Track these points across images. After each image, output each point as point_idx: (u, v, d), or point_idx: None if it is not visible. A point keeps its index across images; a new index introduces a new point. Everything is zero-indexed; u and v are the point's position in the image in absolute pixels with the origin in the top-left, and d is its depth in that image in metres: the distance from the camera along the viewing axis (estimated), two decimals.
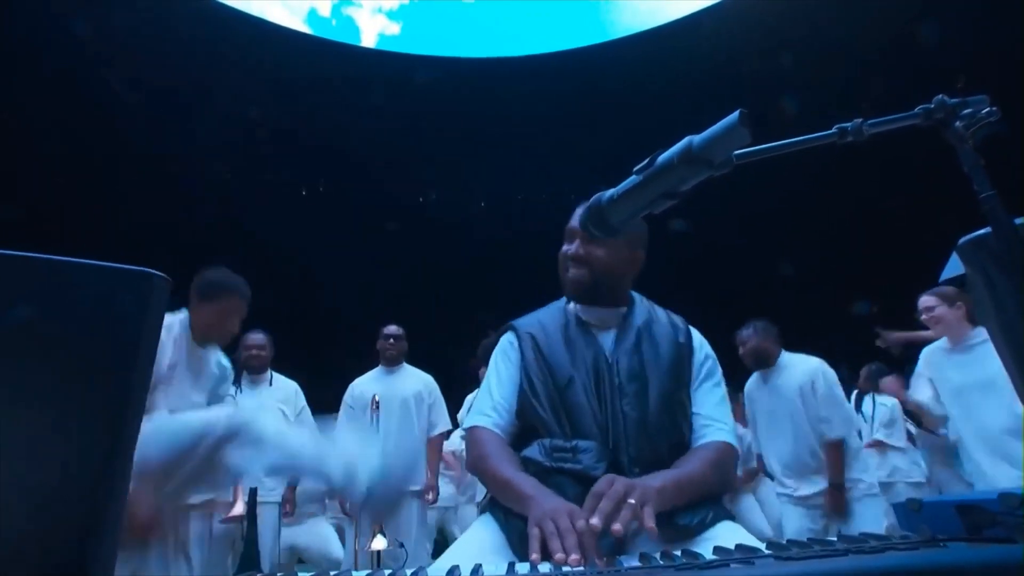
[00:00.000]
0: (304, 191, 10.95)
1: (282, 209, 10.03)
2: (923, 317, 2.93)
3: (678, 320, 1.34)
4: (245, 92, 8.97)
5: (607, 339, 1.26)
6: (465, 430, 1.31)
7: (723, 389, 1.28)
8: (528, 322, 1.34)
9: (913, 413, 3.45)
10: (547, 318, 1.33)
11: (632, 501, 0.87)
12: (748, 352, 3.18)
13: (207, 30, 8.63)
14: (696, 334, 1.33)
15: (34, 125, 7.90)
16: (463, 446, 4.27)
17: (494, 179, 10.49)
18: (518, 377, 1.26)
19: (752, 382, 3.31)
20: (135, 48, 8.21)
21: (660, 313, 1.34)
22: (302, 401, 3.50)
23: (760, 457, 3.57)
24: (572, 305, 1.34)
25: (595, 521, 0.83)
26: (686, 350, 1.26)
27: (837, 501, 2.98)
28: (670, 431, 1.17)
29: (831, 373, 3.10)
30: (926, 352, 2.95)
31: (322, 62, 9.57)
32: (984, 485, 2.62)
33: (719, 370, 1.30)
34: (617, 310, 1.31)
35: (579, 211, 1.27)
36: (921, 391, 2.94)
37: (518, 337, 1.31)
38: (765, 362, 3.16)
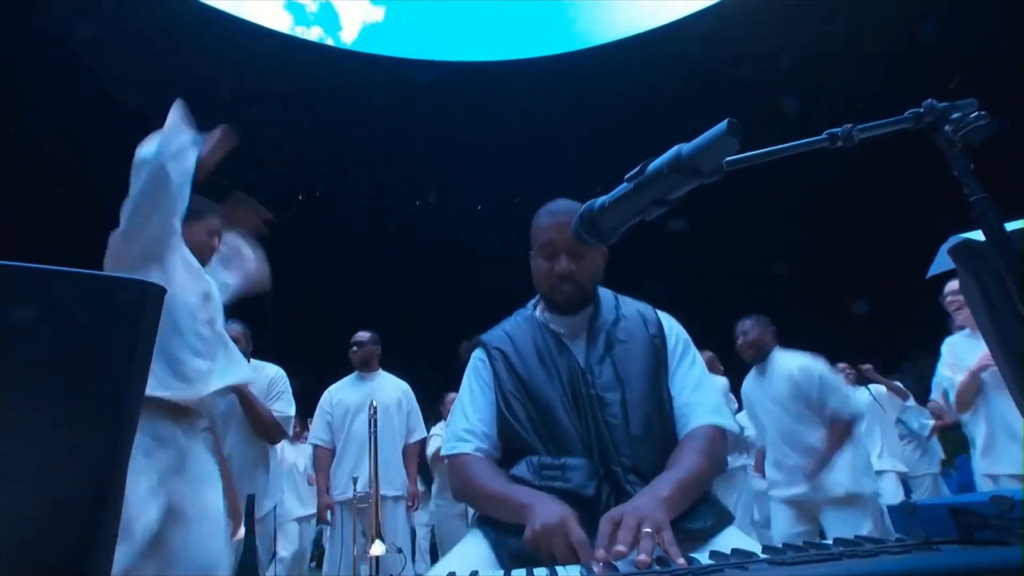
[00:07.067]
0: (300, 196, 10.94)
1: (279, 214, 10.01)
2: (948, 299, 2.93)
3: (645, 309, 1.30)
4: (240, 97, 8.98)
5: (579, 348, 1.23)
6: (447, 458, 1.24)
7: (700, 367, 1.24)
8: (498, 336, 1.29)
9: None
10: (516, 331, 1.28)
11: (648, 529, 0.84)
12: (747, 343, 3.12)
13: (205, 34, 8.62)
14: (666, 318, 1.30)
15: (32, 127, 7.89)
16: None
17: (491, 182, 10.48)
18: (494, 398, 1.21)
19: (749, 379, 3.25)
20: (130, 52, 8.21)
21: (627, 306, 1.30)
22: (283, 386, 3.25)
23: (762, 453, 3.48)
24: (540, 314, 1.30)
25: (622, 548, 0.81)
26: (659, 340, 1.23)
27: (816, 469, 2.87)
28: (657, 430, 1.15)
29: (819, 364, 3.01)
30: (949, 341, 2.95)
31: (317, 66, 9.56)
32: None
33: (693, 348, 1.27)
34: (585, 312, 1.27)
35: (543, 223, 1.24)
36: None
37: (488, 355, 1.26)
38: (761, 355, 3.11)
